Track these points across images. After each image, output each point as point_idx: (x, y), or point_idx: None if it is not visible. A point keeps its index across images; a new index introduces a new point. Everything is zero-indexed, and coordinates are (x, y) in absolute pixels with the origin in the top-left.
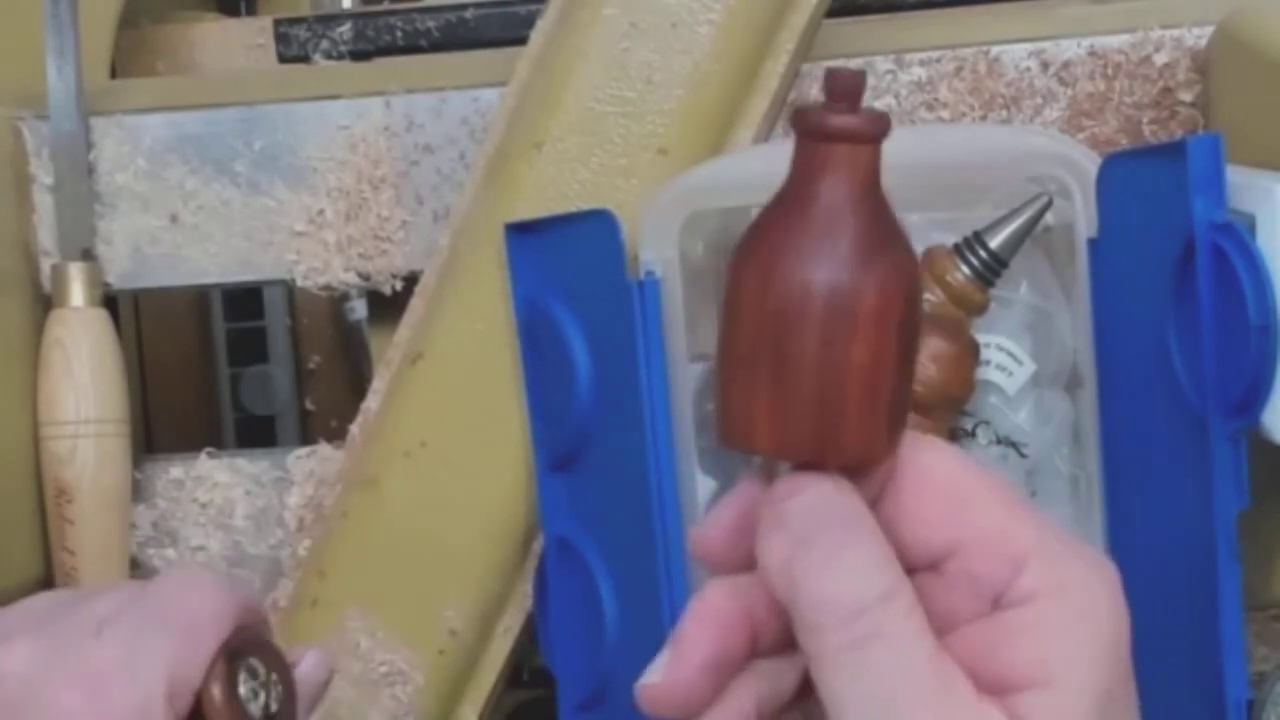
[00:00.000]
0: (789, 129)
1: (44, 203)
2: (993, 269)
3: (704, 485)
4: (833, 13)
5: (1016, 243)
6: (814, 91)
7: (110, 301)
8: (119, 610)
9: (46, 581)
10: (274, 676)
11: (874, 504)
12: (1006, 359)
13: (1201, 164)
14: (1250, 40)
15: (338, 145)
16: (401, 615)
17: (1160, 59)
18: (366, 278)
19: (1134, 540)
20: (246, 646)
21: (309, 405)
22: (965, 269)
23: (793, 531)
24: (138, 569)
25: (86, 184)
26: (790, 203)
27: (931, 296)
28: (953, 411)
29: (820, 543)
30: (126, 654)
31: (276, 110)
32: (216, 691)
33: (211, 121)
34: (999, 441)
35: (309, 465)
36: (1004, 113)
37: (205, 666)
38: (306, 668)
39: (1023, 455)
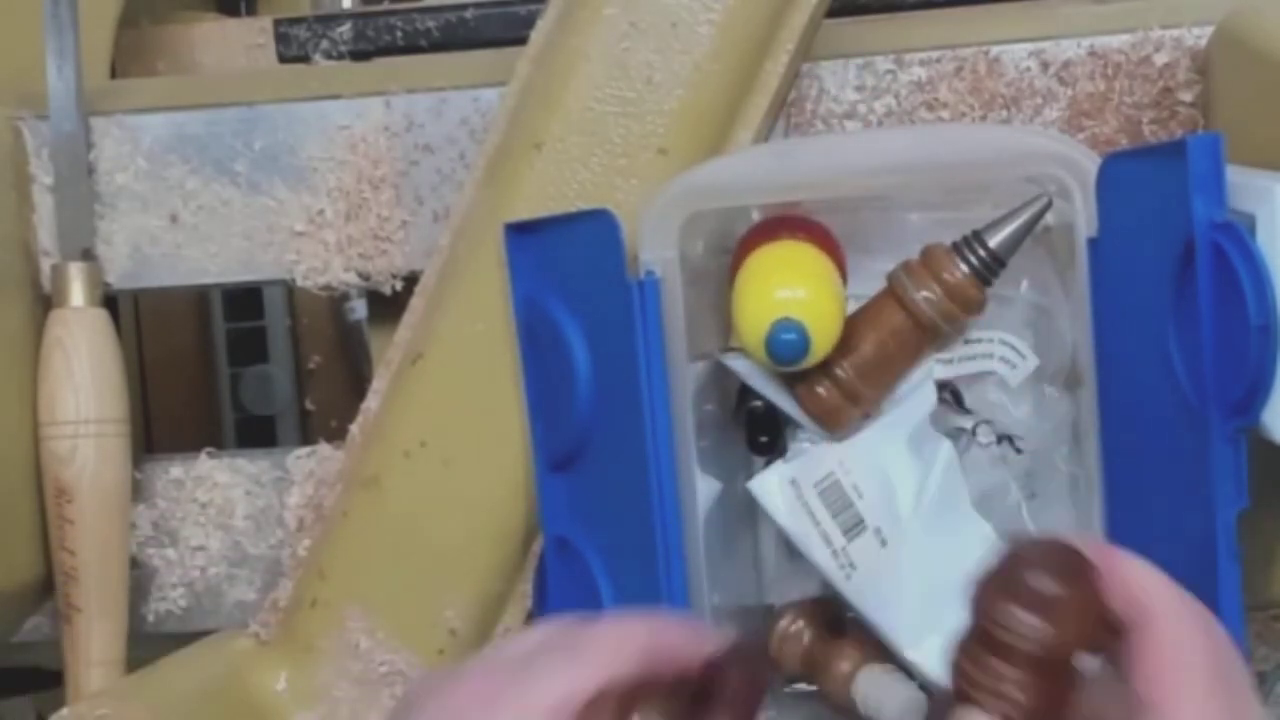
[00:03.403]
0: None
1: (44, 203)
2: (991, 267)
3: (704, 485)
4: (833, 13)
5: (1015, 242)
6: (814, 91)
7: (110, 301)
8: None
9: (47, 581)
10: None
11: None
12: (1010, 352)
13: (1201, 164)
14: (1250, 40)
15: (338, 145)
16: (401, 615)
17: (1160, 59)
18: (366, 278)
19: (1134, 540)
20: (648, 697)
21: (309, 405)
22: (964, 267)
23: None
24: (138, 569)
25: (86, 184)
26: None
27: (930, 294)
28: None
29: None
30: (520, 665)
31: (276, 110)
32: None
33: (211, 121)
34: (999, 440)
35: (309, 465)
36: (1004, 113)
37: (590, 692)
38: None
39: (1018, 451)
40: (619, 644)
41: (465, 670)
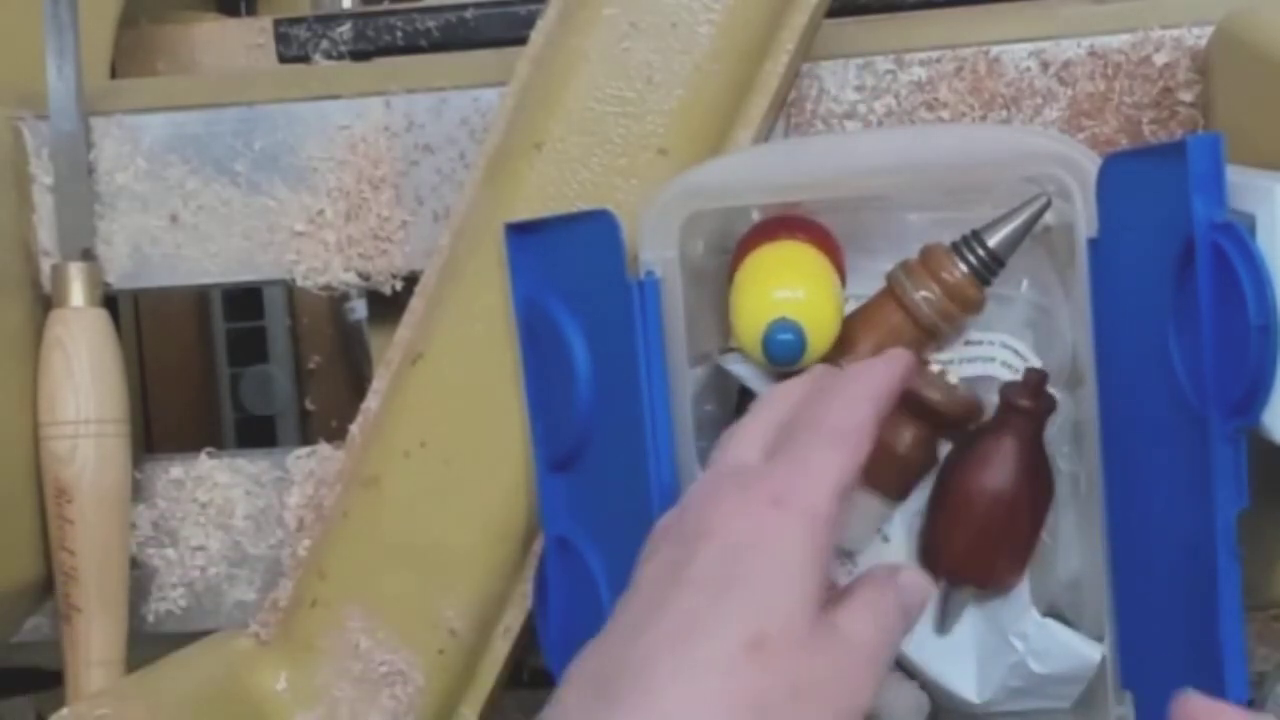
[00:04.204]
0: (789, 128)
1: (44, 203)
2: (990, 267)
3: None
4: (833, 13)
5: (1014, 242)
6: (814, 91)
7: (110, 301)
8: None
9: (47, 581)
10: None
11: None
12: (1011, 355)
13: (1201, 164)
14: (1250, 40)
15: (338, 145)
16: (401, 615)
17: (1160, 59)
18: (366, 278)
19: (1134, 540)
20: None
21: (309, 405)
22: (963, 266)
23: None
24: (138, 569)
25: (86, 184)
26: None
27: (929, 294)
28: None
29: None
30: (795, 470)
31: (276, 110)
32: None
33: (211, 121)
34: None
35: (309, 465)
36: (1004, 113)
37: (854, 473)
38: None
39: None
40: (866, 424)
41: (718, 484)
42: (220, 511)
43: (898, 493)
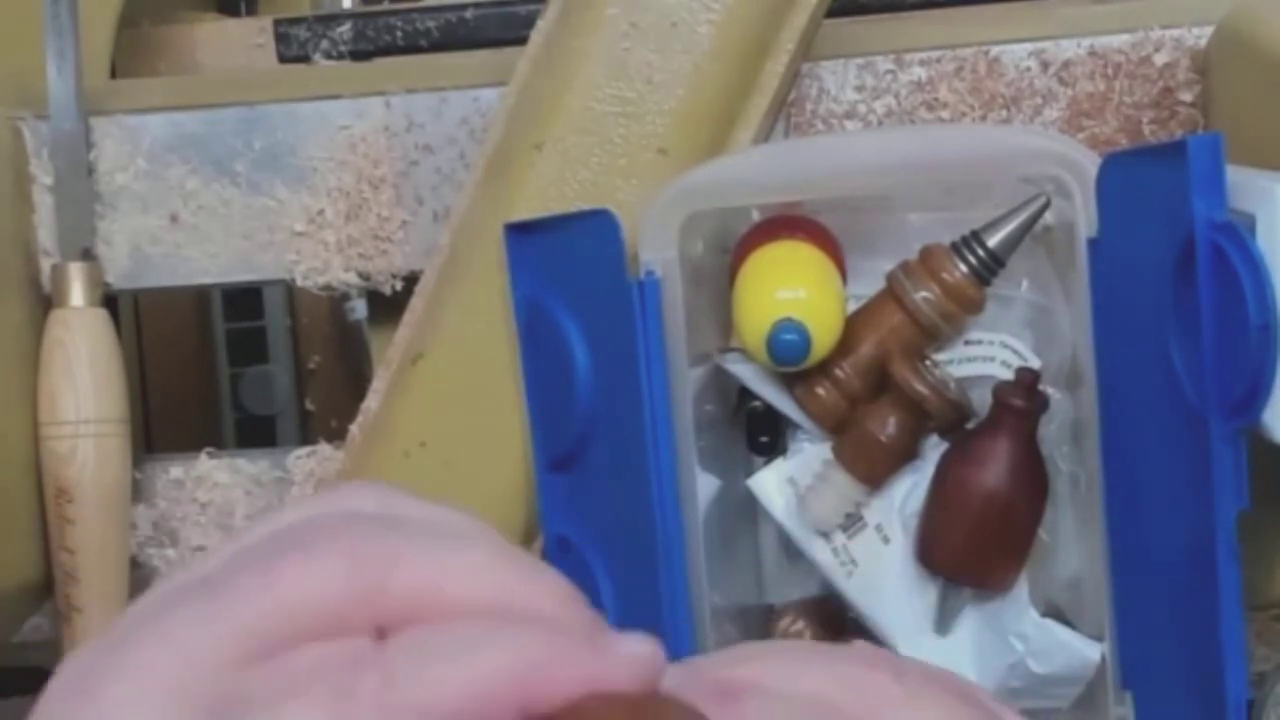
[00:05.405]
0: (789, 128)
1: (44, 203)
2: (990, 267)
3: (704, 484)
4: (833, 13)
5: (1014, 242)
6: (814, 91)
7: (110, 301)
8: None
9: (47, 581)
10: None
11: None
12: (1011, 356)
13: (1201, 164)
14: (1250, 40)
15: (338, 145)
16: None
17: (1160, 59)
18: (366, 278)
19: (1134, 540)
20: None
21: (309, 405)
22: (963, 267)
23: None
24: (138, 569)
25: (86, 184)
26: None
27: (929, 294)
28: None
29: None
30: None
31: (276, 110)
32: None
33: (211, 121)
34: None
35: (309, 465)
36: (1004, 113)
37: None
38: None
39: None
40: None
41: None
42: (220, 511)
43: (874, 479)
